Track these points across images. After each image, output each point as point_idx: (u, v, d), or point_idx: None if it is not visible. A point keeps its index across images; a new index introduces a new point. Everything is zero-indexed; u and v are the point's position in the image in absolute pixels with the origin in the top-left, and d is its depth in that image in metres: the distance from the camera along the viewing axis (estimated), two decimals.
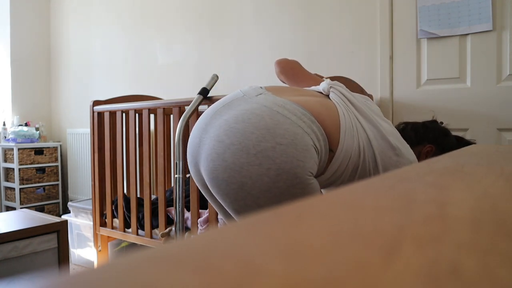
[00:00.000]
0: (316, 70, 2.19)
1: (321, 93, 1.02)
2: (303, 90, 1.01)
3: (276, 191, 0.79)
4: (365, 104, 0.99)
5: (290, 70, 1.17)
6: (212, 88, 1.71)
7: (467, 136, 1.75)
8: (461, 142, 1.23)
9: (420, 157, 1.14)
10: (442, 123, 1.27)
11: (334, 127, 0.89)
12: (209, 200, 1.01)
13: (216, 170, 0.82)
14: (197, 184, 0.99)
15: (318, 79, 1.16)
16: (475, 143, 1.25)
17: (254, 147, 0.79)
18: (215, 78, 1.72)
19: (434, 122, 1.25)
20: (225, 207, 0.89)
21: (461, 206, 0.23)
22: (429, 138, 1.18)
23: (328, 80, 1.03)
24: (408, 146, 0.99)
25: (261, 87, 0.96)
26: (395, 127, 1.16)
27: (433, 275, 0.13)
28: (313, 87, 1.08)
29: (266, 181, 0.78)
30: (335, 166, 0.90)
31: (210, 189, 0.89)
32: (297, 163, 0.79)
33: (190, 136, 0.95)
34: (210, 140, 0.85)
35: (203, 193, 1.00)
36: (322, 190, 1.04)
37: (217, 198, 0.88)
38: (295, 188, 0.80)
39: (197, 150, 0.90)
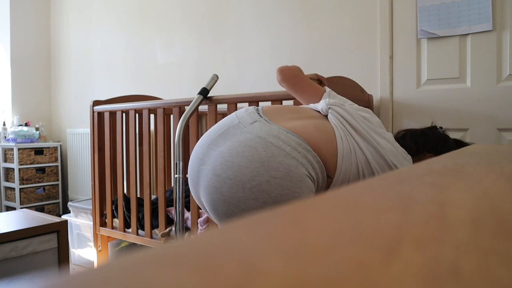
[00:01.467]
0: (316, 70, 2.19)
1: (319, 112, 1.02)
2: (301, 111, 1.01)
3: None
4: (364, 122, 1.00)
5: (292, 79, 1.17)
6: (212, 88, 1.71)
7: (467, 136, 1.75)
8: (460, 144, 1.23)
9: None
10: (441, 128, 1.27)
11: (331, 153, 0.90)
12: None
13: (215, 203, 0.84)
14: (198, 204, 1.01)
15: (319, 88, 1.16)
16: (462, 144, 1.25)
17: (249, 182, 0.79)
18: (215, 78, 1.72)
19: (433, 128, 1.24)
20: None
21: (461, 206, 0.23)
22: (429, 147, 1.17)
23: (327, 100, 1.04)
24: (407, 162, 1.00)
25: (257, 111, 0.96)
26: (395, 135, 1.17)
27: (433, 275, 0.13)
28: (311, 105, 1.08)
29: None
30: (339, 178, 0.91)
31: (211, 217, 0.90)
32: (292, 195, 0.80)
33: (189, 163, 0.97)
34: (207, 172, 0.87)
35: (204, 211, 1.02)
36: None
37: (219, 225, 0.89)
38: None
39: (196, 180, 0.92)
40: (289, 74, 1.17)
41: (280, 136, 0.85)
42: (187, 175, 0.99)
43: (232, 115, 0.97)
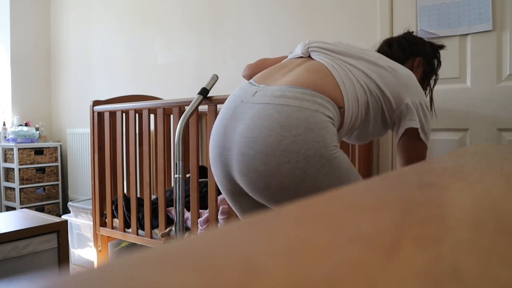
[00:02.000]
0: None
1: (301, 57, 1.04)
2: (286, 65, 1.03)
3: (310, 178, 0.83)
4: (345, 45, 1.04)
5: (252, 69, 1.21)
6: (212, 88, 1.71)
7: (467, 136, 1.75)
8: (434, 46, 1.26)
9: (413, 70, 1.17)
10: (412, 31, 1.31)
11: (333, 86, 0.92)
12: (234, 207, 1.03)
13: (253, 182, 0.86)
14: (224, 194, 1.01)
15: (282, 58, 1.18)
16: (443, 46, 1.28)
17: (278, 148, 0.82)
18: (215, 78, 1.72)
19: (410, 33, 1.28)
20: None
21: (461, 206, 0.23)
22: (415, 51, 1.20)
23: (302, 43, 1.06)
24: (396, 62, 1.05)
25: (251, 83, 0.98)
26: (378, 50, 1.22)
27: (433, 275, 0.13)
28: (290, 56, 1.10)
29: (299, 173, 0.82)
30: (349, 115, 0.94)
31: (257, 199, 0.91)
32: (318, 145, 0.82)
33: (211, 160, 0.97)
34: (234, 156, 0.88)
35: (229, 201, 1.02)
36: (346, 139, 1.11)
37: (267, 204, 0.91)
38: (324, 168, 0.84)
39: (227, 170, 0.93)
40: (248, 68, 1.23)
41: (284, 94, 0.87)
42: (214, 177, 0.99)
43: (231, 97, 0.98)
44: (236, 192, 0.97)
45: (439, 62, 1.25)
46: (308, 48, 1.03)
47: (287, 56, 1.19)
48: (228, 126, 0.91)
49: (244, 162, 0.85)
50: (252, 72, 1.21)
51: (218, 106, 1.72)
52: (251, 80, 1.00)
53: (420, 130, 0.98)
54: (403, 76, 1.00)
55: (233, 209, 1.05)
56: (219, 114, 0.98)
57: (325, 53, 1.00)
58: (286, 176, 0.82)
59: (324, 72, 0.94)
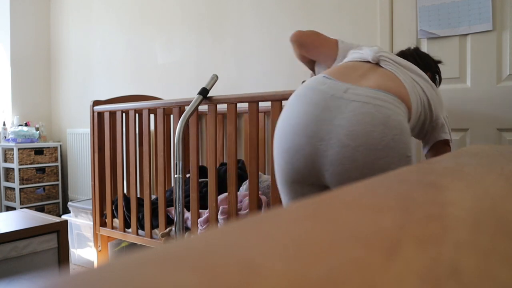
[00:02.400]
0: None
1: (369, 62, 1.09)
2: (357, 67, 1.07)
3: None
4: (405, 60, 1.14)
5: (308, 41, 1.24)
6: (212, 88, 1.71)
7: (467, 136, 1.75)
8: (435, 61, 1.36)
9: None
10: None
11: (407, 97, 0.99)
12: (288, 197, 1.06)
13: (348, 171, 0.91)
14: (283, 182, 1.03)
15: (330, 40, 1.24)
16: (441, 61, 1.38)
17: (379, 143, 0.89)
18: (214, 78, 1.72)
19: (418, 48, 1.37)
20: None
21: (461, 206, 0.23)
22: (425, 66, 1.28)
23: (371, 48, 1.11)
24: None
25: (329, 78, 1.00)
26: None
27: (433, 275, 0.13)
28: (356, 56, 1.13)
29: (393, 168, 0.89)
30: (411, 126, 1.03)
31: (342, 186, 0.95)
32: (406, 147, 0.92)
33: (285, 144, 0.98)
34: (332, 147, 0.92)
35: (285, 190, 1.05)
36: None
37: None
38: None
39: (313, 157, 0.95)
40: (303, 39, 1.25)
41: (378, 97, 0.93)
42: (280, 165, 1.01)
43: (314, 90, 0.98)
44: (299, 181, 1.00)
45: (440, 77, 1.37)
46: (379, 56, 1.08)
47: (336, 40, 1.24)
48: (320, 117, 0.93)
49: (343, 152, 0.90)
50: (306, 50, 1.24)
51: (218, 106, 1.72)
52: (326, 75, 1.02)
53: (450, 141, 1.17)
54: (439, 93, 1.15)
55: (284, 199, 1.08)
56: (298, 103, 0.99)
57: (395, 65, 1.07)
58: (382, 169, 0.88)
59: (399, 83, 1.01)
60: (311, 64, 1.35)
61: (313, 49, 1.23)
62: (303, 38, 1.22)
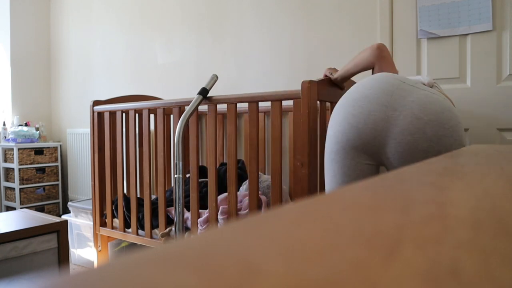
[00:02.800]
0: (316, 70, 2.19)
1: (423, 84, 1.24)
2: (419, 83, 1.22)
3: None
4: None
5: (388, 57, 1.35)
6: (212, 88, 1.71)
7: (467, 136, 1.75)
8: None
9: None
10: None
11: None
12: (340, 163, 1.13)
13: (416, 142, 1.01)
14: (341, 148, 1.10)
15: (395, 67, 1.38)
16: None
17: (447, 123, 1.01)
18: (214, 78, 1.72)
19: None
20: None
21: (461, 206, 0.23)
22: None
23: (424, 77, 1.26)
24: None
25: (400, 77, 1.12)
26: None
27: (433, 275, 0.13)
28: (416, 78, 1.28)
29: (455, 147, 1.01)
30: None
31: (392, 158, 1.05)
32: (464, 138, 1.05)
33: (357, 108, 1.08)
34: (404, 117, 1.02)
35: (342, 158, 1.11)
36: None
37: (393, 166, 1.07)
38: None
39: (383, 124, 1.05)
40: (387, 53, 1.35)
41: (445, 96, 1.11)
42: (343, 130, 1.09)
43: (384, 78, 1.10)
44: (358, 147, 1.08)
45: None
46: (434, 82, 1.25)
47: (329, 69, 1.47)
48: (395, 93, 1.05)
49: (415, 123, 1.01)
50: (382, 63, 1.33)
51: (218, 106, 1.72)
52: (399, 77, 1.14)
53: None
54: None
55: (332, 170, 1.14)
56: (373, 82, 1.09)
57: (441, 91, 1.24)
58: (445, 146, 1.00)
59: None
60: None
61: (387, 65, 1.32)
62: (386, 53, 1.32)
